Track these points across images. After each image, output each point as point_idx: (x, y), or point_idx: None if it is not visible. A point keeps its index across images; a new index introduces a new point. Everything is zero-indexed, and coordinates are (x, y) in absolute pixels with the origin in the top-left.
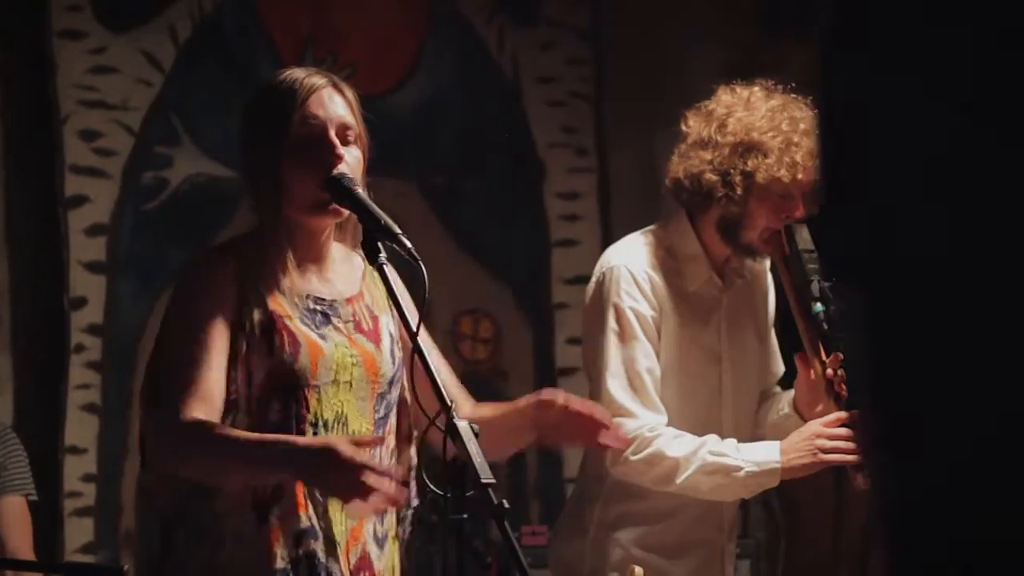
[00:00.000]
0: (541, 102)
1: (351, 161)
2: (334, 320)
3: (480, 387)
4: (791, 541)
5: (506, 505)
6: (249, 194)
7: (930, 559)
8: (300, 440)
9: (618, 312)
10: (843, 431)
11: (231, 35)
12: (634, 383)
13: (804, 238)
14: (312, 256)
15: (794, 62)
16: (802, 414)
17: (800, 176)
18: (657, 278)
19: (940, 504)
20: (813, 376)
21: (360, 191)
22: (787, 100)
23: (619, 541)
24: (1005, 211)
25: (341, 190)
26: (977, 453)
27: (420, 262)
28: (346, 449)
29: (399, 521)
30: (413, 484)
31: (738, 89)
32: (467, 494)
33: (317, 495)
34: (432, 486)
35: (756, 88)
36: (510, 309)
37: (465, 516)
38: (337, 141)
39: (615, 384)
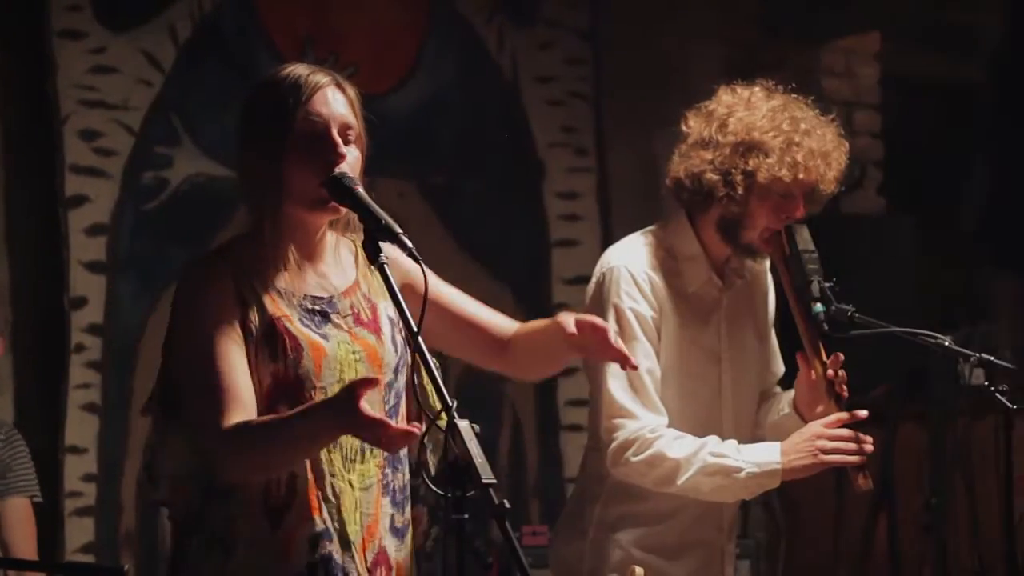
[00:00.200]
0: (541, 102)
1: (350, 161)
2: (333, 317)
3: (480, 387)
4: (791, 541)
5: (507, 505)
6: (244, 189)
7: None
8: (321, 404)
9: (618, 313)
10: (844, 432)
11: (231, 35)
12: (634, 384)
13: (804, 238)
14: (308, 253)
15: (794, 61)
16: (802, 414)
17: (801, 176)
18: (657, 279)
19: None
20: (814, 376)
21: (361, 190)
22: (788, 100)
23: (619, 542)
24: None
25: (342, 189)
26: None
27: (421, 262)
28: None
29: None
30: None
31: (739, 89)
32: (468, 494)
33: (330, 496)
34: (433, 486)
35: (757, 88)
36: (510, 309)
37: (466, 516)
38: (339, 140)
39: (616, 385)
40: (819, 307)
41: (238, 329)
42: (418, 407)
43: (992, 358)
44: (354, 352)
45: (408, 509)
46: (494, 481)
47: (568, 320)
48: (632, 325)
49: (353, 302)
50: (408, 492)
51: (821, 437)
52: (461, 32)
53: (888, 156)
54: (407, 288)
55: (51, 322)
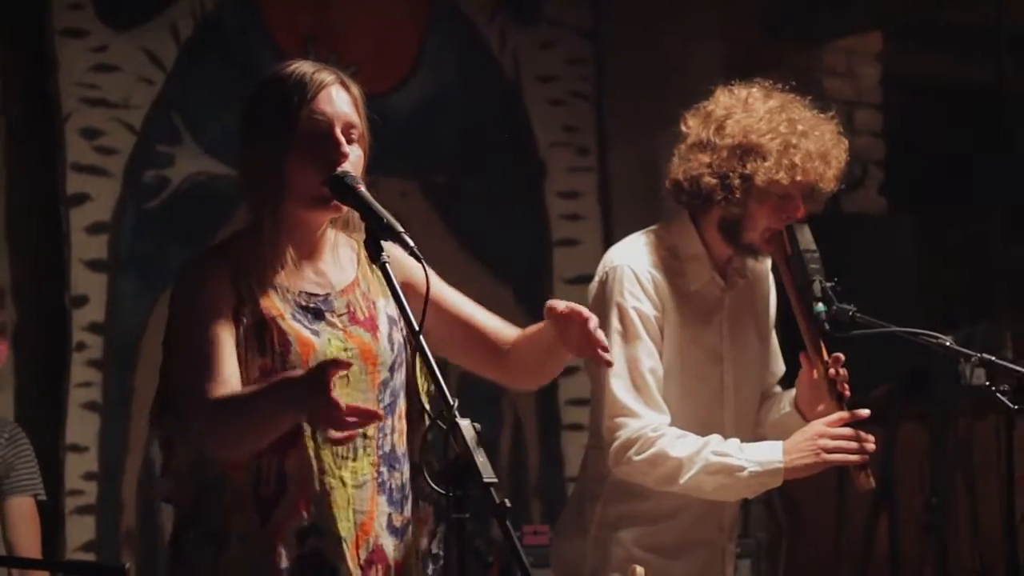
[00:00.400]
0: (542, 101)
1: (353, 160)
2: (328, 315)
3: (481, 386)
4: (792, 541)
5: (508, 504)
6: (245, 186)
7: None
8: (292, 376)
9: (621, 312)
10: (846, 431)
11: (232, 34)
12: (637, 383)
13: (806, 238)
14: (307, 250)
15: (795, 61)
16: (804, 414)
17: (799, 178)
18: (660, 278)
19: None
20: (815, 376)
21: (363, 189)
22: (786, 101)
23: (620, 541)
24: None
25: (344, 188)
26: None
27: (422, 261)
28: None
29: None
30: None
31: (736, 90)
32: (468, 493)
33: (320, 492)
34: (433, 485)
35: (755, 89)
36: (511, 308)
37: (467, 515)
38: (342, 139)
39: (618, 384)
40: (820, 307)
41: (231, 320)
42: (420, 406)
43: (993, 358)
44: (347, 349)
45: (407, 508)
46: (495, 480)
47: (557, 302)
48: (635, 324)
49: (350, 300)
50: (408, 491)
51: (823, 436)
52: (463, 31)
53: (889, 156)
54: (408, 288)
55: (52, 320)
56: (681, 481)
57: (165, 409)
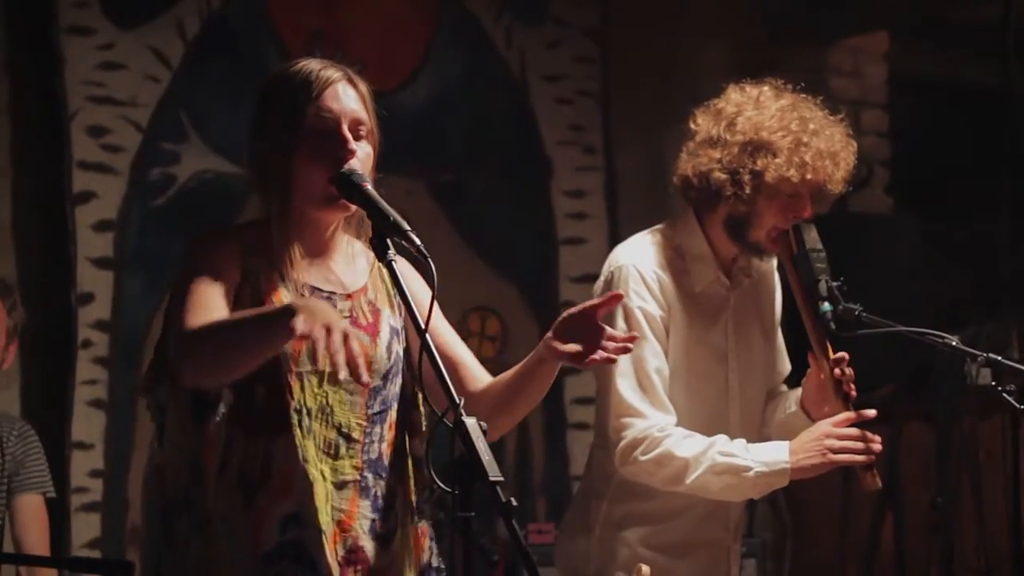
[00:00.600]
0: (549, 100)
1: (361, 156)
2: None
3: None
4: (797, 540)
5: (514, 503)
6: (255, 184)
7: None
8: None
9: (627, 311)
10: (852, 431)
11: (239, 32)
12: (643, 383)
13: (812, 237)
14: (317, 249)
15: (802, 60)
16: (809, 413)
17: (809, 176)
18: (665, 277)
19: None
20: (821, 376)
21: (369, 187)
22: (797, 99)
23: (625, 540)
24: None
25: (350, 186)
26: None
27: (429, 259)
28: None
29: (415, 511)
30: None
31: (747, 88)
32: (475, 491)
33: (302, 482)
34: (440, 483)
35: (766, 87)
36: (517, 307)
37: (472, 514)
38: (349, 136)
39: (624, 384)
40: (826, 306)
41: (231, 291)
42: (419, 419)
43: (1000, 358)
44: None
45: (393, 517)
46: (501, 479)
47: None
48: (641, 324)
49: (354, 305)
50: (394, 500)
51: (830, 436)
52: (469, 30)
53: (895, 155)
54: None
55: (58, 318)
56: (687, 481)
57: (159, 379)
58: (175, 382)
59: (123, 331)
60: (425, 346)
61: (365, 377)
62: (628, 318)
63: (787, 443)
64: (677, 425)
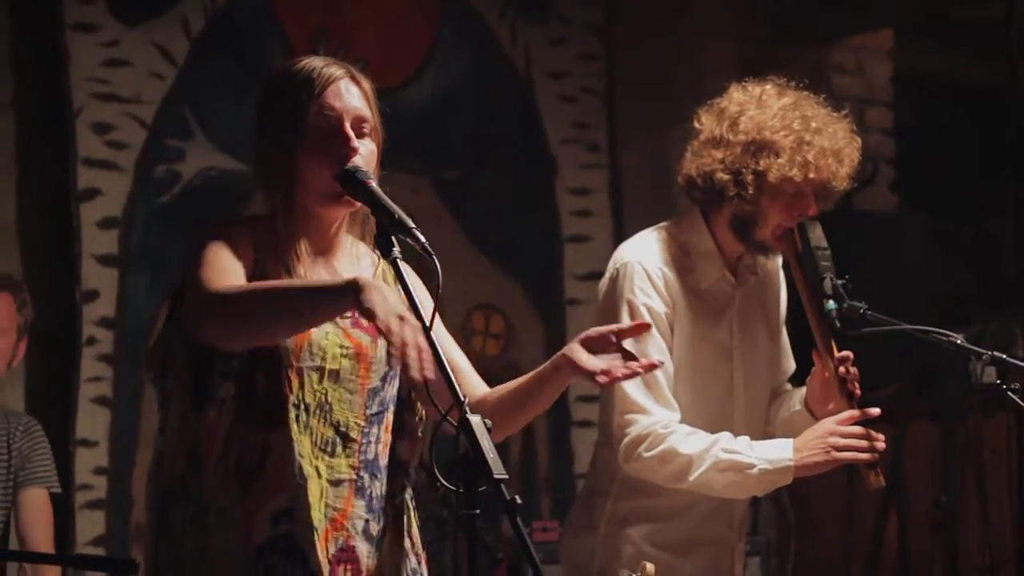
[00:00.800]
0: (553, 97)
1: (365, 154)
2: None
3: (491, 382)
4: (801, 538)
5: (518, 500)
6: (259, 180)
7: None
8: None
9: (632, 309)
10: (857, 429)
11: (244, 28)
12: (648, 380)
13: (817, 235)
14: (322, 246)
15: (806, 59)
16: (813, 411)
17: (812, 175)
18: (670, 275)
19: None
20: (826, 374)
21: (374, 184)
22: (799, 98)
23: (630, 537)
24: None
25: (355, 183)
26: None
27: (434, 256)
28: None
29: (394, 506)
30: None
31: (750, 87)
32: (479, 489)
33: (297, 477)
34: (444, 481)
35: (768, 86)
36: (522, 305)
37: (477, 512)
38: (352, 133)
39: (629, 381)
40: (831, 304)
41: (247, 267)
42: (418, 421)
43: (1004, 356)
44: (342, 346)
45: (385, 519)
46: (505, 476)
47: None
48: (645, 321)
49: None
50: (385, 503)
51: (834, 434)
52: (474, 27)
53: (900, 153)
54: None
55: (63, 315)
56: (691, 478)
57: (166, 369)
58: (177, 367)
59: (128, 328)
60: (429, 343)
61: (430, 374)
62: (633, 315)
63: (791, 441)
64: (681, 422)
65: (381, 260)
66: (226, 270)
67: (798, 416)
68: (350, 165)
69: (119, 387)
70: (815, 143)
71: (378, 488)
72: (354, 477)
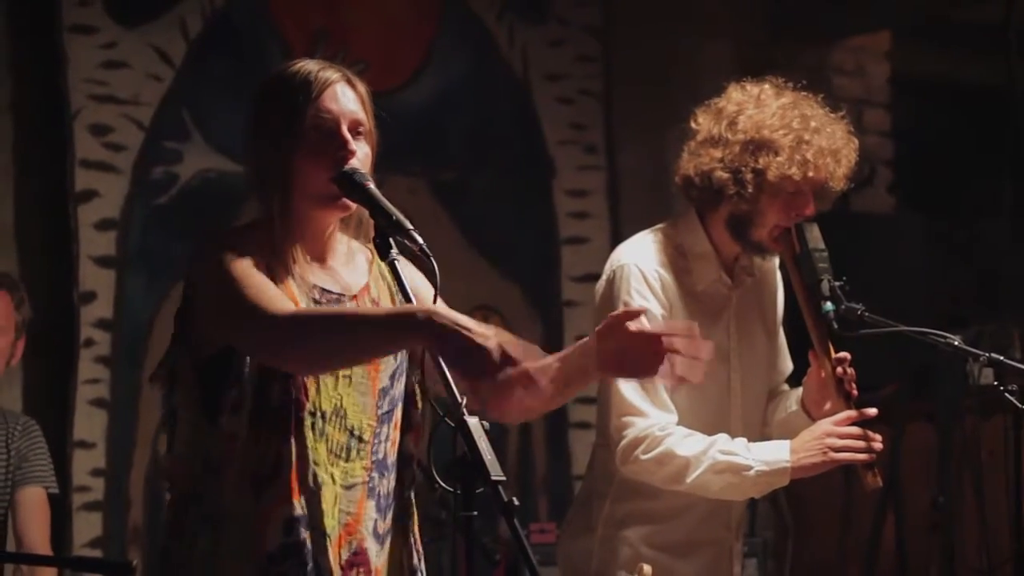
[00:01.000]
0: (551, 99)
1: (360, 157)
2: None
3: None
4: (799, 539)
5: (516, 502)
6: (254, 183)
7: None
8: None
9: None
10: (853, 430)
11: (242, 30)
12: (644, 383)
13: (815, 236)
14: (318, 249)
15: (804, 60)
16: (810, 412)
17: (811, 173)
18: (667, 276)
19: None
20: (823, 375)
21: (372, 186)
22: (798, 97)
23: (627, 539)
24: None
25: (352, 185)
26: None
27: (432, 258)
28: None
29: (400, 508)
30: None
31: (748, 86)
32: (477, 491)
33: (311, 484)
34: (442, 483)
35: (766, 85)
36: (519, 306)
37: (474, 513)
38: (349, 136)
39: (626, 383)
40: (829, 306)
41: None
42: (432, 408)
43: (1002, 357)
44: None
45: (390, 516)
46: (503, 478)
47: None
48: (642, 323)
49: (360, 305)
50: (392, 499)
51: (831, 435)
52: (472, 29)
53: (898, 155)
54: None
55: (60, 317)
56: (688, 480)
57: (174, 385)
58: (187, 383)
59: (125, 330)
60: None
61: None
62: None
63: (788, 442)
64: (678, 424)
65: (375, 256)
66: (265, 287)
67: (795, 417)
68: (348, 167)
69: (116, 389)
70: (814, 142)
71: (386, 486)
72: (366, 479)
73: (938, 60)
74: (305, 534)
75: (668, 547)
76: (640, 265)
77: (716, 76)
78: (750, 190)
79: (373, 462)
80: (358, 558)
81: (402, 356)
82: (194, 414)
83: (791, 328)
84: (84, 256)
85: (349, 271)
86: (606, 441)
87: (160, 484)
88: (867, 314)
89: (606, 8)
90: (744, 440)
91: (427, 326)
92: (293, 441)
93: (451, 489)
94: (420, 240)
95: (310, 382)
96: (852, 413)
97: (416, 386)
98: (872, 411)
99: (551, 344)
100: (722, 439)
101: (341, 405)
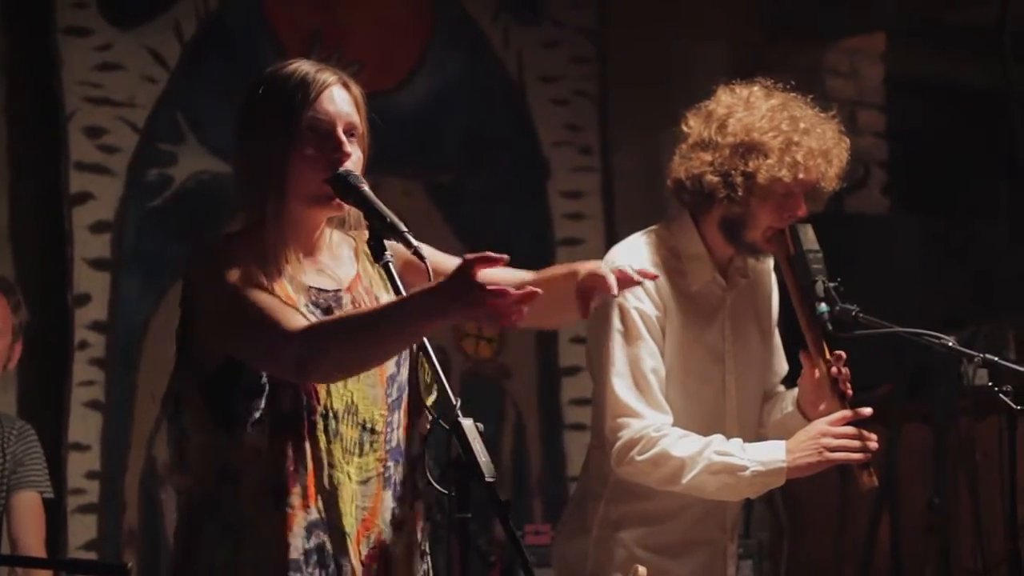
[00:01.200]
0: (546, 100)
1: (353, 160)
2: (336, 312)
3: (484, 385)
4: (794, 540)
5: (510, 503)
6: (245, 183)
7: None
8: (429, 289)
9: (623, 312)
10: (849, 429)
11: (236, 32)
12: (639, 383)
13: (809, 238)
14: (308, 248)
15: (799, 61)
16: (806, 413)
17: (801, 176)
18: (661, 278)
19: None
20: (817, 375)
21: (366, 188)
22: (787, 99)
23: (622, 540)
24: None
25: (347, 187)
26: None
27: (426, 260)
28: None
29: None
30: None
31: (737, 89)
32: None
33: (327, 486)
34: (436, 485)
35: (756, 88)
36: None
37: (469, 515)
38: (344, 139)
39: (620, 384)
40: (823, 307)
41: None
42: (420, 402)
43: (996, 358)
44: None
45: (405, 502)
46: (494, 479)
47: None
48: (636, 324)
49: (355, 296)
50: (407, 485)
51: (826, 435)
52: (467, 30)
53: (892, 156)
54: (409, 265)
55: (55, 319)
56: (683, 481)
57: (179, 406)
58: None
59: (120, 332)
60: (421, 346)
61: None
62: (624, 318)
63: (783, 442)
64: (674, 425)
65: (359, 244)
66: (276, 304)
67: (791, 418)
68: (342, 170)
69: (111, 391)
70: (804, 144)
71: (400, 473)
72: (381, 470)
73: (933, 61)
74: (325, 537)
75: (663, 548)
76: (634, 266)
77: (711, 78)
78: (740, 193)
79: (387, 451)
80: (376, 551)
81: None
82: (208, 431)
83: (786, 329)
84: (78, 258)
85: (338, 264)
86: (601, 442)
87: (163, 489)
88: (862, 315)
89: (601, 10)
90: (739, 441)
91: (435, 294)
92: (308, 446)
93: (445, 491)
94: (415, 242)
95: (320, 385)
96: (847, 413)
97: (415, 368)
98: (867, 411)
99: (546, 345)
100: (718, 440)
101: (352, 401)
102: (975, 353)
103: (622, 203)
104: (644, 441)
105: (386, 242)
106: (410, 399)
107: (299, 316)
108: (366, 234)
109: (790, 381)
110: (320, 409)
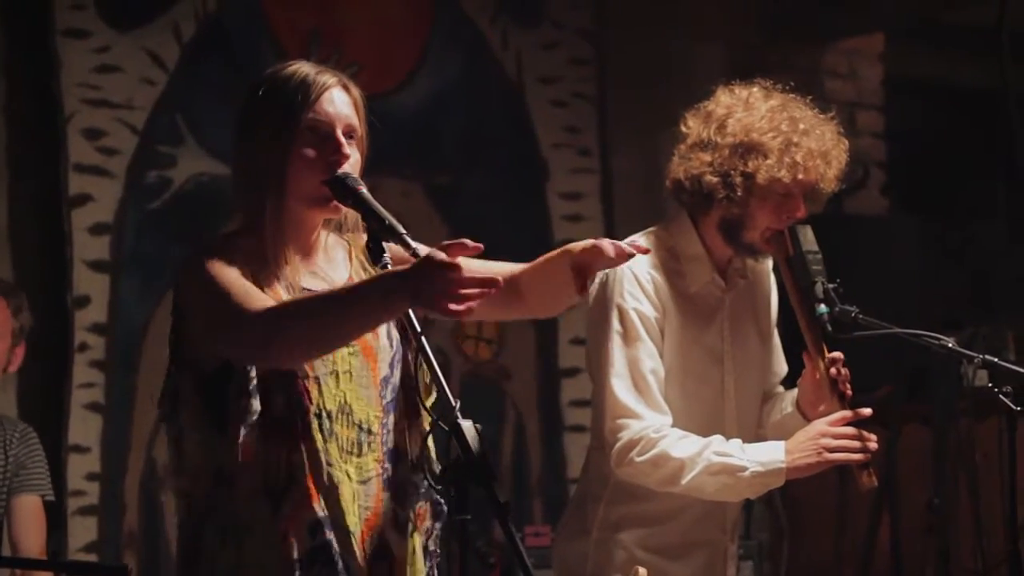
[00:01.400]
0: (544, 102)
1: (352, 162)
2: None
3: (483, 387)
4: (794, 542)
5: (509, 505)
6: (241, 184)
7: None
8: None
9: (622, 313)
10: (848, 430)
11: (235, 34)
12: (639, 384)
13: (808, 239)
14: (304, 250)
15: (798, 62)
16: (805, 414)
17: (801, 176)
18: (660, 279)
19: None
20: (817, 376)
21: (364, 191)
22: (786, 100)
23: (622, 542)
24: None
25: (345, 189)
26: None
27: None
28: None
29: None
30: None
31: (737, 90)
32: (470, 494)
33: (328, 485)
34: (435, 486)
35: (755, 88)
36: None
37: (468, 516)
38: (343, 141)
39: (620, 385)
40: (823, 308)
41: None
42: (417, 404)
43: (996, 359)
44: (349, 347)
45: (407, 503)
46: (495, 480)
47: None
48: (635, 325)
49: None
50: (408, 486)
51: (825, 435)
52: (466, 31)
53: (891, 157)
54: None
55: (55, 321)
56: (683, 482)
57: (176, 406)
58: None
59: (120, 334)
60: (420, 348)
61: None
62: (623, 319)
63: (782, 443)
64: (673, 426)
65: (353, 247)
66: (249, 290)
67: (790, 419)
68: (340, 172)
69: (111, 393)
70: (803, 144)
71: (399, 474)
72: (380, 471)
73: (931, 62)
74: (330, 535)
75: (663, 549)
76: (633, 268)
77: (709, 79)
78: (740, 193)
79: (384, 453)
80: (381, 551)
81: (397, 343)
82: (204, 431)
83: (786, 329)
84: (78, 260)
85: (332, 267)
86: (601, 444)
87: (163, 491)
88: (861, 316)
89: (599, 11)
90: (739, 441)
91: (392, 278)
92: (303, 446)
93: (445, 492)
94: (413, 244)
95: (311, 385)
96: (847, 413)
97: (414, 370)
98: (866, 411)
99: (545, 346)
100: (717, 441)
101: (346, 402)
102: (975, 354)
103: (621, 205)
104: (643, 442)
105: (384, 244)
106: (406, 401)
107: (267, 299)
108: (362, 237)
109: (790, 381)
110: (313, 409)
